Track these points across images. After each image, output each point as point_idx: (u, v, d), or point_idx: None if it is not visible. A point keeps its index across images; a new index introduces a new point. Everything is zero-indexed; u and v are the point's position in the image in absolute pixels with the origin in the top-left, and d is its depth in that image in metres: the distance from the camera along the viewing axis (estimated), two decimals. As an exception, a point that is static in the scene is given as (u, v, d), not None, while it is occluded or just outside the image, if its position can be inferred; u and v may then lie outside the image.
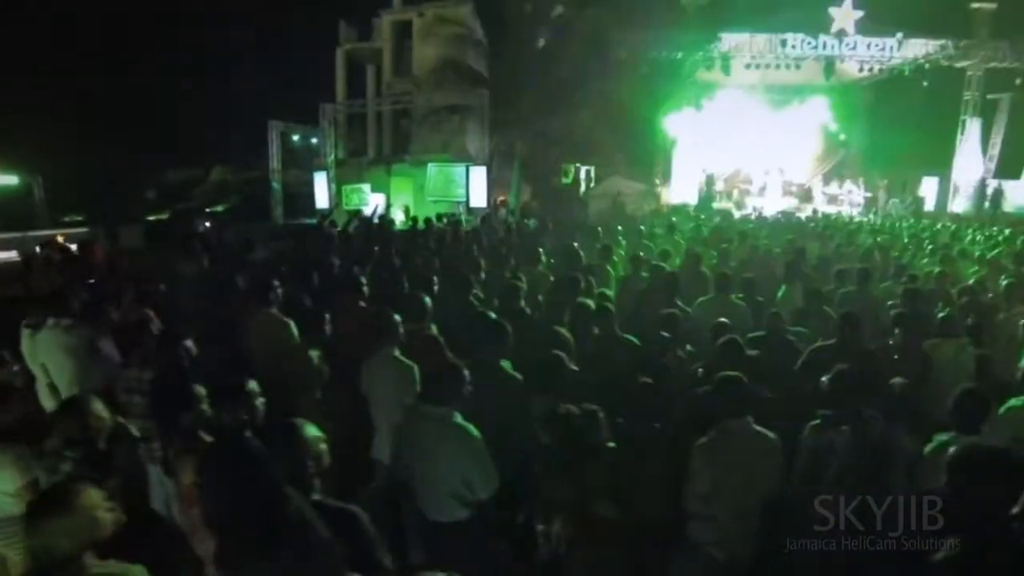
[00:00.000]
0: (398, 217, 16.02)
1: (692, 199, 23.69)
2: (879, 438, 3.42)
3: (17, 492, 3.05)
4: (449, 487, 3.14)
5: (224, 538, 2.66)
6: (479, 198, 17.77)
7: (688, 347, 4.87)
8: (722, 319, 5.14)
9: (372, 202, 17.92)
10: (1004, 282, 7.11)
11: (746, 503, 3.35)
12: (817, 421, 3.55)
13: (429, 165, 19.08)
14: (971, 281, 7.73)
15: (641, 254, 7.99)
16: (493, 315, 4.57)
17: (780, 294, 6.87)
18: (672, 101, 22.77)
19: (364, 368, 4.40)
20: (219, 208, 30.10)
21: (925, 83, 22.02)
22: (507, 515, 3.22)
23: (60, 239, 14.36)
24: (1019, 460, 2.20)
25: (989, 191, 22.98)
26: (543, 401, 3.55)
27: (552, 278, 6.98)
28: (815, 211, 19.87)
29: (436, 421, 3.20)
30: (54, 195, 27.79)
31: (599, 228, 11.27)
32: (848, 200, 23.78)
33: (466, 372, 3.33)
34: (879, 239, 12.66)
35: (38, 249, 10.63)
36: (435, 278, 6.10)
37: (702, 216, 17.73)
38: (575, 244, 8.11)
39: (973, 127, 23.22)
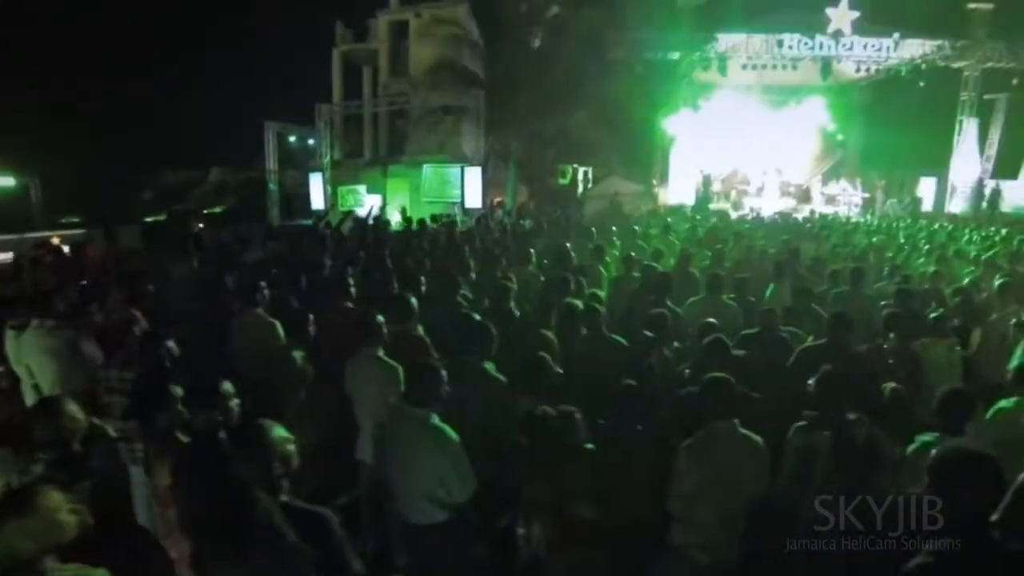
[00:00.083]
0: (394, 218, 15.98)
1: (689, 200, 23.68)
2: (865, 440, 3.39)
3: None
4: (426, 489, 3.10)
5: (197, 540, 2.63)
6: (474, 199, 17.74)
7: (676, 344, 4.82)
8: (710, 319, 5.10)
9: (368, 203, 17.88)
10: (998, 282, 7.07)
11: (731, 506, 3.31)
12: (803, 423, 3.50)
13: (424, 166, 19.05)
14: (966, 281, 7.71)
15: (633, 254, 7.95)
16: (478, 316, 4.53)
17: (768, 293, 6.85)
18: (669, 102, 22.74)
19: (348, 368, 4.37)
20: (217, 209, 30.02)
21: (922, 83, 22.03)
22: (486, 518, 3.17)
23: (56, 240, 14.34)
24: (999, 465, 2.16)
25: (987, 191, 22.96)
26: (527, 402, 3.51)
27: (543, 279, 6.95)
28: (812, 211, 19.84)
29: (413, 422, 3.16)
30: (51, 196, 27.77)
31: (593, 228, 11.23)
32: (846, 200, 23.75)
33: (444, 373, 3.28)
34: (874, 239, 12.63)
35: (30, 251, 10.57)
36: (423, 278, 6.07)
37: (698, 217, 17.71)
38: (567, 245, 8.07)
39: (970, 127, 23.22)
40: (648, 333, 4.80)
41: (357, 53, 24.21)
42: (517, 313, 5.36)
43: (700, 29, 22.24)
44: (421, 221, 12.10)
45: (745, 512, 3.30)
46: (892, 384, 4.13)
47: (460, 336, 4.29)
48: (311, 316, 4.72)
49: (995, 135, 23.63)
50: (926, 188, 24.65)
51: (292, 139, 27.43)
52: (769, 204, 23.15)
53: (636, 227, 11.95)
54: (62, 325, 4.93)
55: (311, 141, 22.67)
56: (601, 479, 3.06)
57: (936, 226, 16.08)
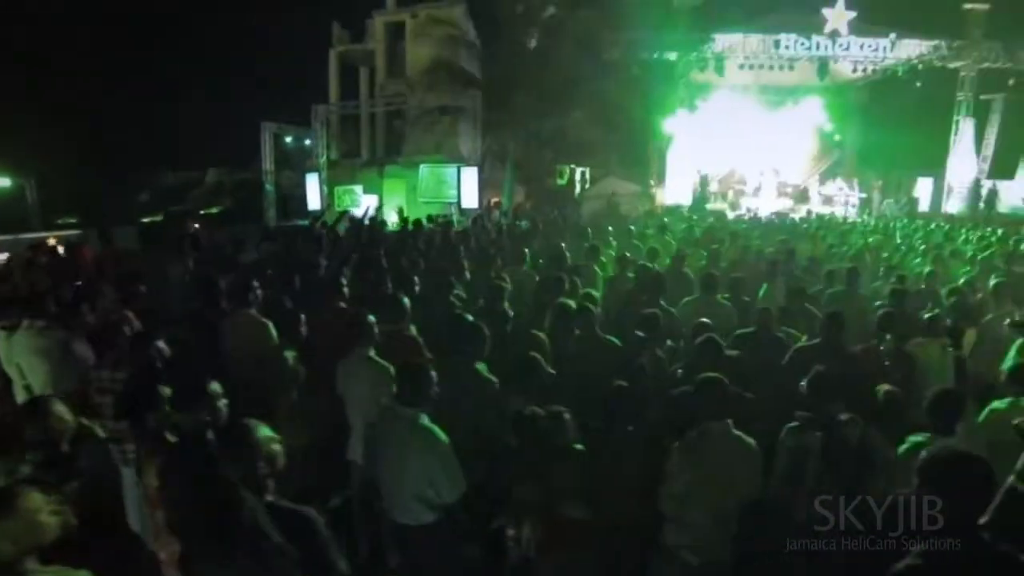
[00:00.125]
0: (392, 219, 15.95)
1: (687, 200, 23.66)
2: (859, 441, 3.37)
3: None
4: (415, 490, 3.08)
5: (184, 541, 2.62)
6: (471, 199, 17.73)
7: (668, 342, 4.81)
8: (704, 319, 5.09)
9: (364, 203, 17.86)
10: (993, 282, 7.07)
11: (723, 507, 3.30)
12: (795, 423, 3.49)
13: (421, 166, 19.04)
14: (961, 281, 7.71)
15: (628, 254, 7.94)
16: (471, 317, 4.51)
17: (762, 293, 6.84)
18: (666, 102, 22.73)
19: (340, 369, 4.35)
20: (214, 210, 29.99)
21: (918, 84, 22.04)
22: (476, 519, 3.16)
23: (52, 241, 14.30)
24: (989, 467, 2.15)
25: (984, 192, 22.98)
26: (518, 403, 3.50)
27: (538, 279, 6.94)
28: (809, 212, 19.86)
29: (402, 422, 3.15)
30: (49, 197, 27.73)
31: (588, 229, 11.22)
32: (842, 200, 23.74)
33: (433, 373, 3.26)
34: (871, 239, 12.63)
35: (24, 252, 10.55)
36: (416, 278, 6.05)
37: (694, 217, 17.71)
38: (562, 245, 8.05)
39: (967, 128, 23.24)
40: (639, 333, 4.78)
41: (354, 54, 24.19)
42: (511, 313, 5.33)
43: (697, 29, 22.25)
44: (417, 221, 12.09)
45: (737, 513, 3.29)
46: (886, 386, 4.11)
47: (453, 336, 4.28)
48: (302, 316, 4.70)
49: (991, 135, 23.66)
50: (923, 188, 24.67)
51: (288, 140, 27.39)
52: (766, 204, 23.14)
53: (632, 227, 11.93)
54: (53, 326, 4.91)
55: (308, 142, 22.64)
56: (591, 479, 3.05)
57: (932, 226, 16.09)
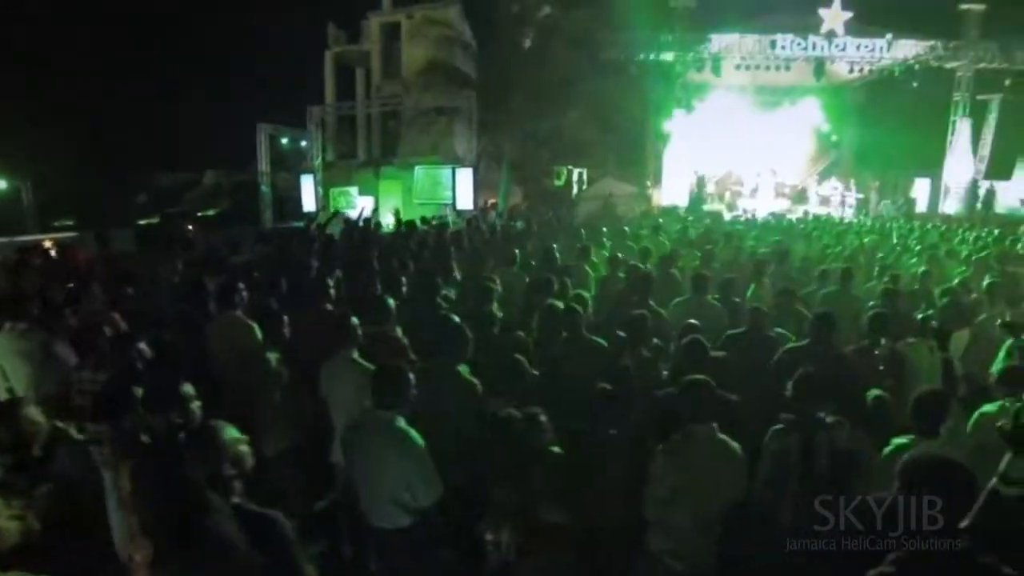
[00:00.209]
0: (388, 220, 15.91)
1: (683, 201, 23.62)
2: (844, 443, 3.33)
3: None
4: (391, 493, 3.04)
5: (153, 544, 2.57)
6: (466, 200, 17.69)
7: (656, 341, 4.76)
8: (692, 320, 5.05)
9: (359, 205, 17.82)
10: (986, 281, 7.04)
11: (706, 511, 3.25)
12: (779, 426, 3.45)
13: (416, 167, 19.02)
14: (955, 281, 7.67)
15: (619, 255, 7.90)
16: (457, 318, 4.47)
17: (749, 293, 6.80)
18: (663, 103, 22.72)
19: (324, 371, 4.31)
20: (211, 212, 29.95)
21: (915, 84, 22.04)
22: (455, 523, 3.11)
23: (47, 244, 14.26)
24: (970, 472, 2.11)
25: (981, 192, 22.95)
26: (500, 406, 3.46)
27: (527, 280, 6.89)
28: (806, 212, 19.83)
29: (378, 425, 3.10)
30: (46, 199, 27.71)
31: (582, 229, 11.18)
32: (841, 201, 23.70)
33: (411, 376, 3.22)
34: (866, 240, 12.60)
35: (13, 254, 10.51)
36: (404, 279, 6.01)
37: (690, 218, 17.67)
38: (553, 246, 8.01)
39: (963, 128, 23.20)
40: (621, 334, 4.74)
41: (349, 55, 24.17)
42: (499, 315, 5.29)
43: (693, 30, 22.24)
44: (410, 222, 12.06)
45: (722, 517, 3.25)
46: (877, 390, 4.07)
47: (437, 338, 4.24)
48: (285, 318, 4.65)
49: (988, 136, 23.61)
50: (920, 189, 24.64)
51: (285, 141, 27.35)
52: (764, 205, 23.09)
53: (626, 228, 11.89)
54: (35, 328, 4.88)
55: (304, 143, 22.62)
56: (571, 482, 3.00)
57: (929, 226, 16.05)
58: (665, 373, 4.42)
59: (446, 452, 3.25)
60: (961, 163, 23.33)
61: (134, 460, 3.08)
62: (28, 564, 2.26)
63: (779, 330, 5.51)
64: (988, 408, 3.96)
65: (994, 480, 2.51)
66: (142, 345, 4.33)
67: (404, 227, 11.63)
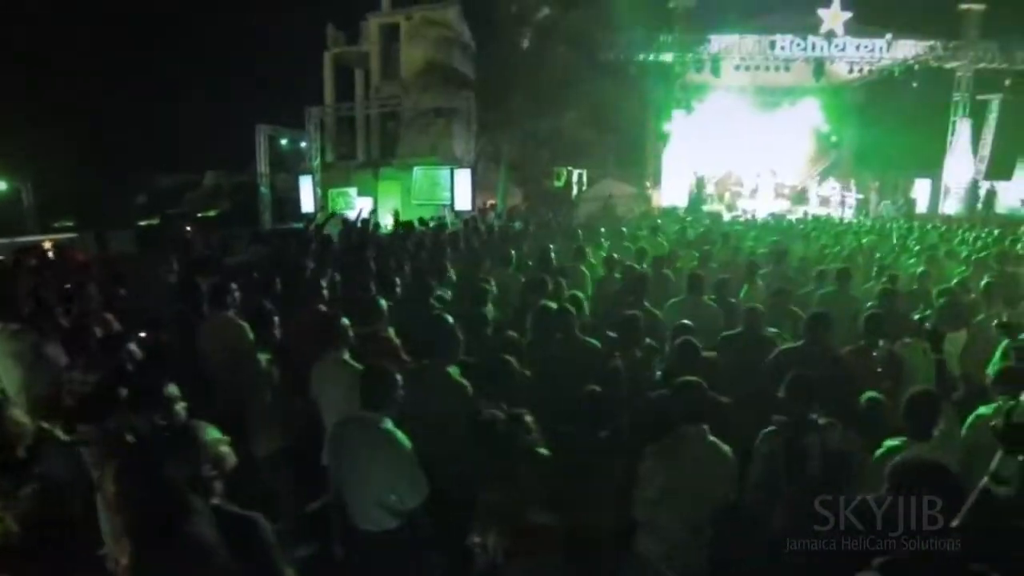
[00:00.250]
0: (387, 221, 15.89)
1: (683, 202, 23.61)
2: (836, 445, 3.30)
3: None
4: (376, 495, 3.01)
5: (133, 546, 2.55)
6: (464, 201, 17.68)
7: (648, 340, 4.73)
8: (685, 321, 5.02)
9: (358, 206, 17.81)
10: (984, 281, 7.00)
11: (696, 514, 3.22)
12: (771, 428, 3.42)
13: (415, 168, 19.00)
14: (954, 282, 7.62)
15: (615, 255, 7.87)
16: (449, 319, 4.44)
17: (742, 294, 6.77)
18: (662, 103, 22.71)
19: (314, 372, 4.28)
20: (211, 213, 29.96)
21: (915, 84, 22.00)
22: (443, 525, 3.08)
23: (46, 244, 14.28)
24: (955, 477, 2.09)
25: (982, 192, 22.90)
26: (490, 407, 3.42)
27: (523, 280, 6.87)
28: (805, 213, 19.79)
29: (364, 426, 3.08)
30: (47, 200, 27.71)
31: (579, 230, 11.16)
32: (841, 202, 23.66)
33: (399, 377, 3.19)
34: (865, 240, 12.56)
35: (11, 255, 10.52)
36: (398, 280, 5.99)
37: (688, 219, 17.64)
38: (549, 246, 7.99)
39: (963, 128, 23.16)
40: (610, 334, 4.71)
41: (348, 56, 24.17)
42: (490, 316, 5.26)
43: (692, 31, 22.22)
44: (408, 223, 12.05)
45: (711, 520, 3.22)
46: (872, 392, 4.03)
47: (429, 339, 4.21)
48: (276, 319, 4.63)
49: (988, 136, 23.57)
50: (920, 189, 24.59)
51: (284, 142, 27.35)
52: (763, 206, 23.06)
53: (624, 229, 11.86)
54: (26, 328, 4.86)
55: (303, 144, 22.63)
56: (559, 484, 2.96)
57: (929, 227, 16.01)
58: (659, 374, 4.39)
59: (435, 454, 3.23)
60: (961, 163, 23.29)
61: (118, 461, 3.06)
62: (7, 565, 2.25)
63: (773, 330, 5.49)
64: (984, 410, 3.92)
65: (985, 479, 2.49)
66: (132, 346, 4.31)
67: (402, 228, 11.61)
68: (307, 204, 20.11)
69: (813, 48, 22.08)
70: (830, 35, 21.78)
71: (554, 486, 2.95)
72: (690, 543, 3.21)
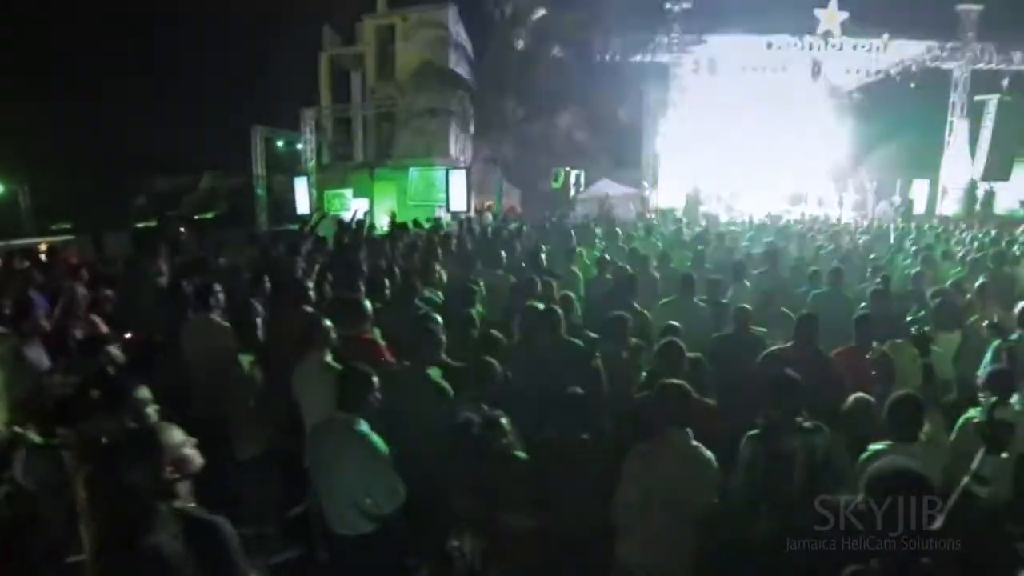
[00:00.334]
0: (383, 222, 15.84)
1: (680, 202, 23.53)
2: (821, 447, 3.26)
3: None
4: (351, 498, 2.96)
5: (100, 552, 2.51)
6: (459, 202, 17.63)
7: (635, 340, 4.68)
8: (672, 322, 4.97)
9: (353, 207, 17.77)
10: (978, 282, 6.96)
11: (677, 518, 3.16)
12: (755, 431, 3.36)
13: (410, 169, 18.97)
14: (949, 283, 7.57)
15: (607, 256, 7.82)
16: (435, 320, 4.39)
17: (729, 294, 6.72)
18: (658, 104, 22.67)
19: (295, 373, 4.23)
20: (208, 215, 29.93)
21: (912, 85, 21.94)
22: (421, 529, 3.03)
23: (42, 247, 14.20)
24: (931, 483, 2.05)
25: (981, 193, 22.83)
26: (471, 409, 3.37)
27: (513, 280, 6.83)
28: (803, 214, 19.73)
29: (339, 428, 3.03)
30: (44, 202, 27.65)
31: (572, 231, 11.11)
32: (839, 202, 23.59)
33: (375, 379, 3.14)
34: (861, 241, 12.51)
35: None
36: (387, 282, 5.95)
37: (684, 219, 17.58)
38: (540, 247, 7.94)
39: (961, 129, 23.10)
40: (591, 334, 4.66)
41: (344, 57, 24.12)
42: (477, 317, 5.22)
43: (689, 32, 22.19)
44: (401, 224, 12.01)
45: (692, 525, 3.16)
46: (859, 393, 3.98)
47: (412, 340, 4.17)
48: (259, 321, 4.58)
49: (986, 137, 23.49)
50: (918, 190, 24.52)
51: (280, 144, 27.32)
52: (761, 206, 22.98)
53: (618, 230, 11.81)
54: (6, 332, 4.81)
55: (300, 146, 22.59)
56: (536, 487, 2.92)
57: (926, 227, 15.95)
58: (643, 376, 4.34)
59: (411, 456, 3.18)
60: (959, 164, 23.23)
61: (90, 466, 3.01)
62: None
63: (762, 330, 5.44)
64: (973, 413, 3.88)
65: (966, 479, 2.44)
66: (113, 348, 4.26)
67: (397, 228, 11.57)
68: (303, 205, 20.07)
69: (810, 49, 22.02)
70: (827, 36, 21.75)
71: (532, 490, 2.91)
72: (670, 547, 3.15)
